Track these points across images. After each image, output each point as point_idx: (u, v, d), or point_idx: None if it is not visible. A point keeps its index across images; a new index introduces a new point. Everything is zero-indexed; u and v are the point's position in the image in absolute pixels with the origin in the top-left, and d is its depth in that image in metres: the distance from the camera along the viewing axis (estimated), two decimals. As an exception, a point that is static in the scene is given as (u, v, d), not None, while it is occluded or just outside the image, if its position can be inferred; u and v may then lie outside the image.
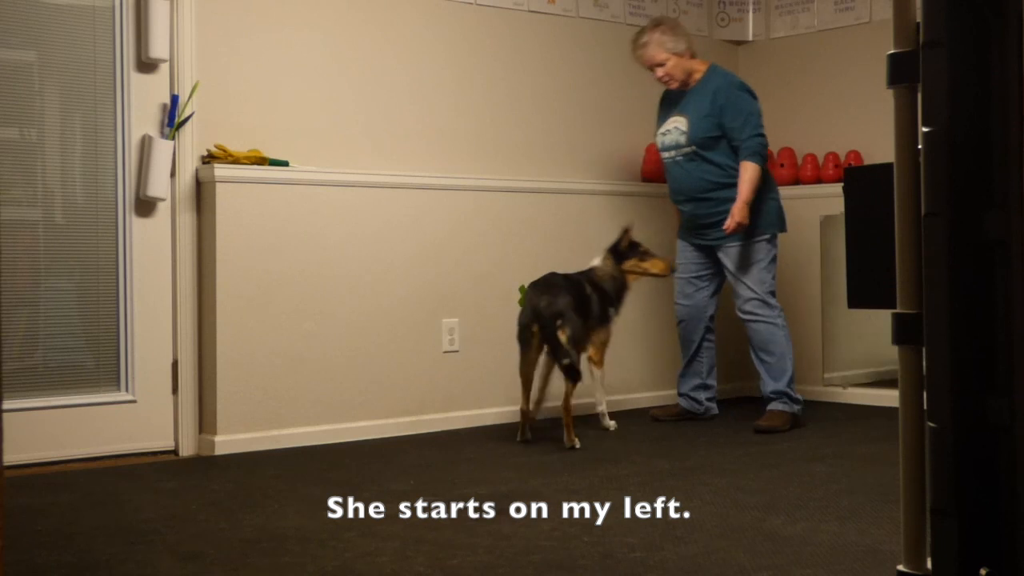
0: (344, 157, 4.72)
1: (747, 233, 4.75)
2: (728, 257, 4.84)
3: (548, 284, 4.46)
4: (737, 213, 4.66)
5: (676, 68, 4.86)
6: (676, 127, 4.90)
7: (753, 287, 4.80)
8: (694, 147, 4.82)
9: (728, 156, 4.79)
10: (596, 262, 4.72)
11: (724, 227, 4.71)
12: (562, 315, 4.34)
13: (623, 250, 4.72)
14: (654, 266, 4.75)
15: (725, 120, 4.76)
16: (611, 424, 4.73)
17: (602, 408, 4.75)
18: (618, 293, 4.69)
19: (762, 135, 4.76)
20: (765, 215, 4.79)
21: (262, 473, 3.94)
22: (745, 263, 4.81)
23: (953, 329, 1.50)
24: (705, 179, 4.83)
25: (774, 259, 4.85)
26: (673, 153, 4.91)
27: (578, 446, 4.30)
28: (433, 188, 4.86)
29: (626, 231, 4.76)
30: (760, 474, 3.84)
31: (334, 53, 4.75)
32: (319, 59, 4.71)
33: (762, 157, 4.76)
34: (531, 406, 4.51)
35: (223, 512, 3.33)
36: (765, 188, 4.80)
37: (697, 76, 4.90)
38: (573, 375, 4.31)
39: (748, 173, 4.70)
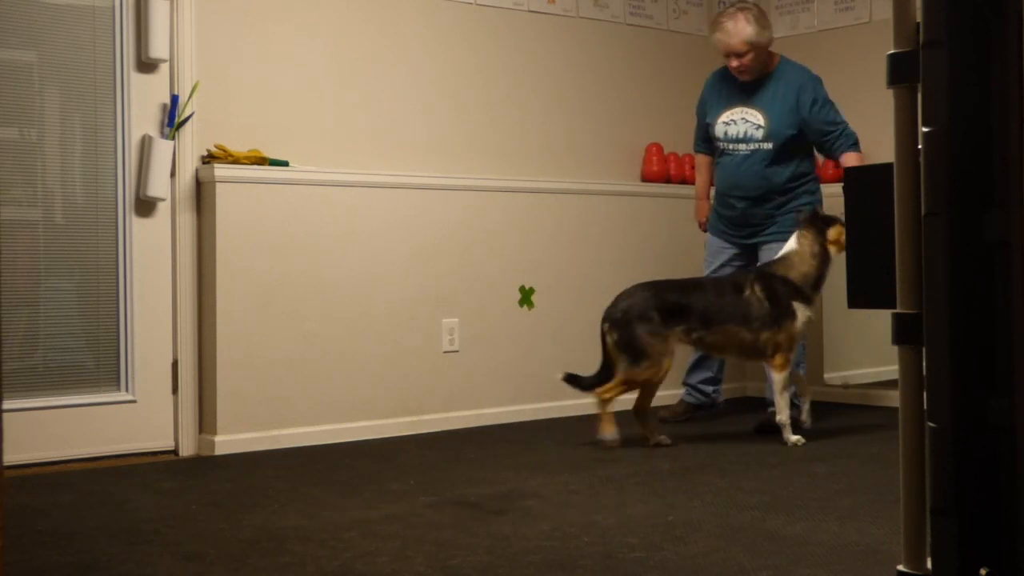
0: (344, 157, 4.72)
1: (791, 231, 4.55)
2: (769, 254, 4.62)
3: (629, 289, 4.40)
4: None
5: (755, 61, 4.61)
6: (745, 119, 4.68)
7: None
8: (772, 145, 4.62)
9: (799, 157, 4.65)
10: (790, 246, 4.41)
11: None
12: (609, 319, 4.33)
13: (825, 218, 4.40)
14: None
15: (819, 115, 4.57)
16: (793, 439, 4.34)
17: (781, 417, 4.38)
18: (817, 276, 4.35)
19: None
20: None
21: (262, 473, 3.94)
22: None
23: (953, 329, 1.50)
24: (775, 180, 4.66)
25: None
26: (743, 147, 4.69)
27: (609, 439, 4.27)
28: (433, 188, 4.87)
29: (813, 209, 4.53)
30: (760, 474, 3.84)
31: (334, 53, 4.75)
32: (319, 59, 4.71)
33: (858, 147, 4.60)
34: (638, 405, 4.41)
35: (223, 512, 3.33)
36: (812, 188, 4.69)
37: (770, 68, 4.68)
38: (575, 381, 4.36)
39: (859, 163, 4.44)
